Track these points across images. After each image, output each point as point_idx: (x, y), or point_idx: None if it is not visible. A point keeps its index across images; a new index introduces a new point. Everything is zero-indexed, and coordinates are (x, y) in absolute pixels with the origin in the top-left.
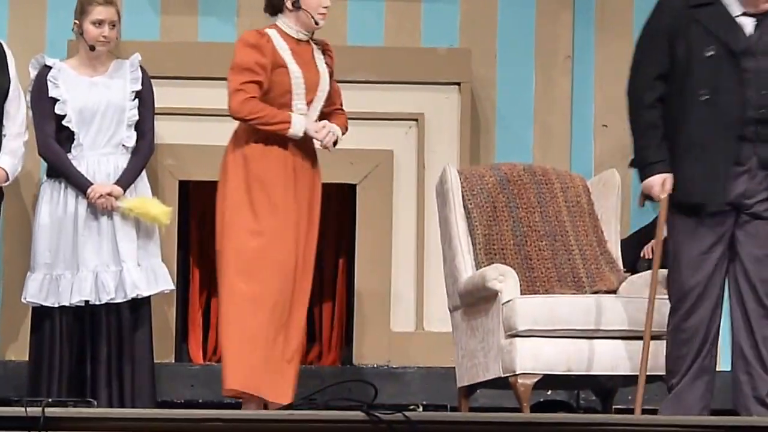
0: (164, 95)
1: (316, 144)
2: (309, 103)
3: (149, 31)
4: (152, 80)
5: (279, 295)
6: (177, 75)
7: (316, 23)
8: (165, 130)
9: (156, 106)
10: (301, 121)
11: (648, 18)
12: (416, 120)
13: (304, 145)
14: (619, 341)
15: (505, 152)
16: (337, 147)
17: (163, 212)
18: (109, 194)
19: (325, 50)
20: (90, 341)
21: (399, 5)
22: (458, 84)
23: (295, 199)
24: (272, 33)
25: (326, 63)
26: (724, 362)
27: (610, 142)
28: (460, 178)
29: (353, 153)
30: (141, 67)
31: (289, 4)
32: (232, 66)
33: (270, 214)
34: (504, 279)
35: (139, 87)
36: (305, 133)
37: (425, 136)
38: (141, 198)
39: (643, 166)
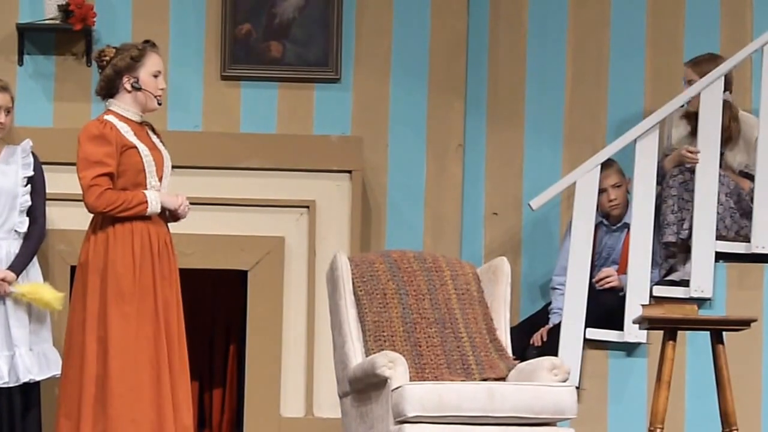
0: (57, 181)
1: (177, 205)
2: (159, 179)
3: (43, 117)
4: (45, 166)
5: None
6: (69, 161)
7: (159, 104)
8: (57, 216)
9: (48, 191)
10: (156, 197)
11: None
12: (307, 207)
13: (159, 224)
14: (509, 428)
15: (395, 239)
16: (228, 233)
17: (56, 298)
18: (2, 279)
19: (153, 129)
20: None
21: (292, 93)
22: (350, 171)
23: (156, 279)
24: (111, 119)
25: (161, 141)
26: None
27: (500, 230)
28: (351, 265)
29: (244, 239)
30: (33, 153)
31: (128, 86)
32: (81, 159)
33: (129, 301)
34: (393, 365)
35: (31, 173)
36: (163, 208)
37: (316, 222)
38: (34, 283)
39: None
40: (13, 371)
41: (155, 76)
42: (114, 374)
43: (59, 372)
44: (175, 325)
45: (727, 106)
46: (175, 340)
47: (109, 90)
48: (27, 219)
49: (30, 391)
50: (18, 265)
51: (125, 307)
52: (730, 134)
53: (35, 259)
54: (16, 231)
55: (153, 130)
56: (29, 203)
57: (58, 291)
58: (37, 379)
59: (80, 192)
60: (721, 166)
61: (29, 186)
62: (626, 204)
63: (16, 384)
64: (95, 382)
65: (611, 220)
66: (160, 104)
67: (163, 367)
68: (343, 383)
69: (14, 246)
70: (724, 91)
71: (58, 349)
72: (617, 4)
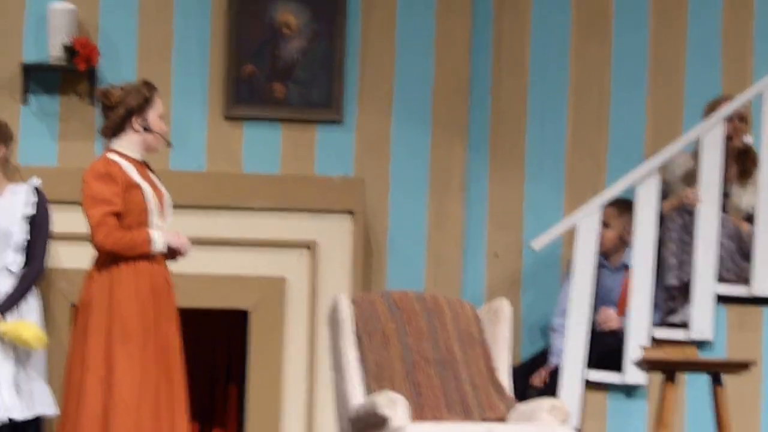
0: (59, 219)
1: (180, 245)
2: (162, 219)
3: (47, 156)
4: (50, 204)
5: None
6: (72, 200)
7: (169, 144)
8: (61, 254)
9: (55, 230)
10: (160, 236)
11: None
12: (309, 247)
13: (160, 263)
14: None
15: (397, 279)
16: (230, 272)
17: (35, 337)
18: None
19: (150, 168)
20: None
21: (295, 134)
22: (351, 212)
23: (159, 319)
24: (116, 158)
25: (159, 180)
26: None
27: (502, 271)
28: (352, 305)
29: (245, 279)
30: (38, 191)
31: (137, 126)
32: (88, 197)
33: (134, 341)
34: (394, 406)
35: (32, 212)
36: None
37: (318, 262)
38: (18, 322)
39: None
40: None
41: (160, 118)
42: (117, 413)
43: (50, 411)
44: (176, 365)
45: (750, 150)
46: (174, 379)
47: (116, 129)
48: (22, 257)
49: (26, 429)
50: (6, 304)
51: (130, 347)
52: (747, 176)
53: (32, 297)
54: (8, 269)
55: (150, 168)
56: (25, 242)
57: (40, 331)
58: (18, 418)
59: (81, 231)
60: (725, 209)
61: (30, 224)
62: (623, 245)
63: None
64: (95, 421)
65: (611, 260)
66: (170, 145)
67: (163, 404)
68: (343, 423)
69: (6, 284)
70: (746, 133)
71: (55, 387)
72: (618, 47)
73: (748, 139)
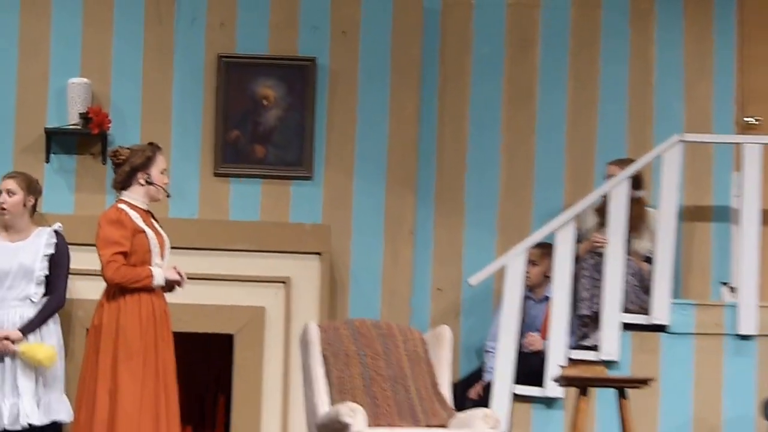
0: (78, 259)
1: (177, 279)
2: (161, 258)
3: (66, 205)
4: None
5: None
6: (87, 242)
7: (168, 195)
8: (78, 287)
9: (72, 267)
10: (159, 272)
11: None
12: (284, 282)
13: (159, 295)
14: None
15: (357, 309)
16: (218, 303)
17: (47, 357)
18: (6, 338)
19: (153, 216)
20: None
21: (272, 188)
22: (319, 253)
23: (158, 342)
24: (125, 207)
25: (160, 226)
26: None
27: (444, 304)
28: (319, 331)
29: (231, 308)
30: (58, 234)
31: (142, 181)
32: (101, 239)
33: (136, 360)
34: (354, 414)
35: (52, 251)
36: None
37: (292, 295)
38: (34, 344)
39: None
40: (12, 416)
41: (162, 173)
42: (122, 420)
43: (66, 418)
44: (171, 380)
45: (639, 202)
46: (168, 393)
47: (124, 183)
48: (42, 289)
49: None
50: (27, 327)
51: (133, 365)
52: (638, 225)
53: (53, 323)
54: (30, 300)
55: (153, 216)
56: (45, 275)
57: (53, 352)
58: (36, 423)
59: (94, 268)
60: (628, 252)
61: (50, 262)
62: (546, 280)
63: (13, 427)
64: (103, 426)
65: (535, 293)
66: (169, 196)
67: (161, 413)
68: (312, 429)
69: (28, 312)
70: (637, 189)
71: (71, 397)
72: (541, 116)
73: (639, 193)
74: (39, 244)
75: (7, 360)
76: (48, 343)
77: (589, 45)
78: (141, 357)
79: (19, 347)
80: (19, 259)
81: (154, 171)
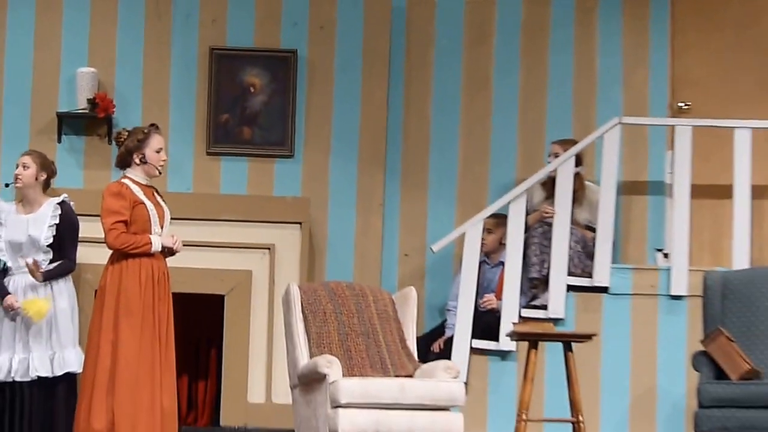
0: (87, 228)
1: (172, 244)
2: (161, 227)
3: (75, 181)
4: (78, 217)
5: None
6: (95, 213)
7: (159, 173)
8: (86, 253)
9: (81, 235)
10: (157, 239)
11: None
12: (269, 248)
13: (159, 259)
14: (414, 411)
15: (333, 273)
16: (211, 267)
17: (36, 312)
18: (9, 304)
19: (157, 191)
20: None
21: (258, 165)
22: (300, 223)
23: (155, 300)
24: (127, 182)
25: (163, 199)
26: None
27: (410, 268)
28: (300, 292)
29: (222, 272)
30: (63, 205)
31: (137, 160)
32: (104, 209)
33: (136, 316)
34: (330, 365)
35: (57, 221)
36: (162, 247)
37: (275, 260)
38: (30, 300)
39: None
40: (22, 369)
41: (158, 152)
42: (122, 367)
43: (78, 368)
44: (166, 334)
45: (579, 177)
46: (165, 345)
47: (124, 162)
48: (49, 256)
49: (57, 382)
50: (46, 274)
51: (132, 320)
52: (578, 197)
53: (64, 283)
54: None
55: (157, 191)
56: (50, 242)
57: (44, 308)
58: (44, 375)
59: (102, 236)
60: (571, 222)
61: (57, 231)
62: (500, 247)
63: (23, 379)
64: (106, 373)
65: (490, 258)
66: (160, 173)
67: (156, 364)
68: (293, 378)
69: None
70: (578, 165)
71: (83, 349)
72: (497, 100)
73: (579, 168)
74: (46, 215)
75: (19, 319)
76: (56, 301)
77: (538, 37)
78: (140, 313)
79: (21, 303)
80: (29, 231)
81: (149, 151)
